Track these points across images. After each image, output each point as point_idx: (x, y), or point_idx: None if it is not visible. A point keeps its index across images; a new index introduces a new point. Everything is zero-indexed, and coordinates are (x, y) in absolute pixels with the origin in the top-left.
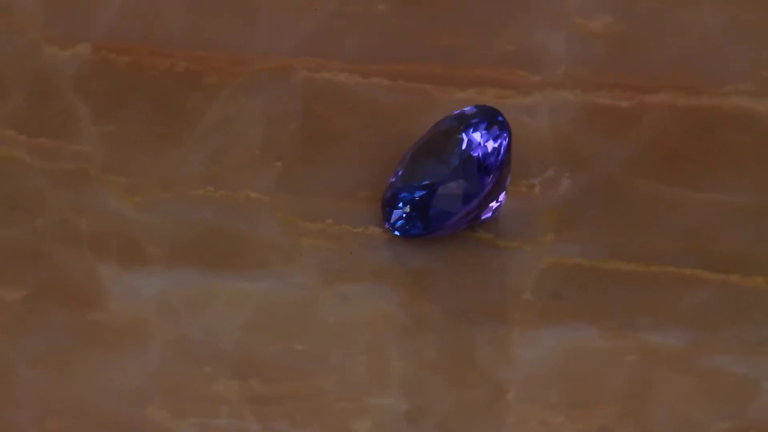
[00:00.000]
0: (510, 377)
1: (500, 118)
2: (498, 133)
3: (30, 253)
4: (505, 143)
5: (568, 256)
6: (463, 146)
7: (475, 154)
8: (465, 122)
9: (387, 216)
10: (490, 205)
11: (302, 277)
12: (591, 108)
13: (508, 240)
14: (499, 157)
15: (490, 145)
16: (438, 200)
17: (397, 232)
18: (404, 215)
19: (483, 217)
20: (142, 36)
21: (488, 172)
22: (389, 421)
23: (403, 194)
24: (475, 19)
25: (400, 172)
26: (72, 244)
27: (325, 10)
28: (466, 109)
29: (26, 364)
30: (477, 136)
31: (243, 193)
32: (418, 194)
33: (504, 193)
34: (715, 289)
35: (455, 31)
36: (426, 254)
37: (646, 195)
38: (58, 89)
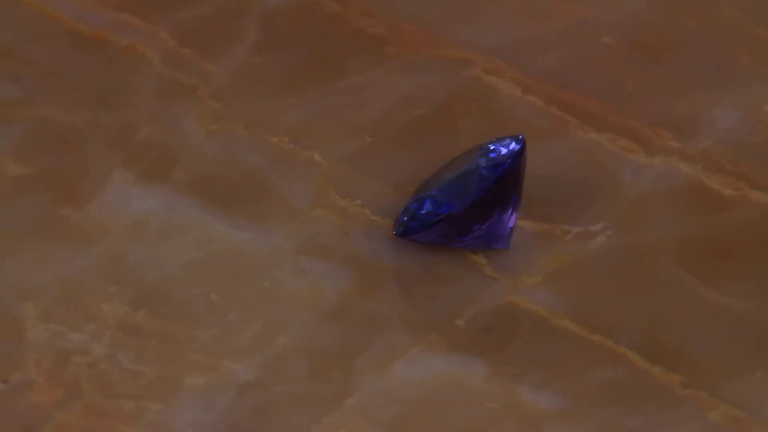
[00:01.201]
0: (365, 386)
1: (518, 145)
2: (504, 158)
3: (65, 140)
4: (504, 167)
5: (532, 302)
6: (472, 163)
7: (478, 172)
8: (489, 145)
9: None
10: (492, 223)
11: (283, 240)
12: (694, 185)
13: (496, 270)
14: (494, 175)
15: (495, 166)
16: (422, 204)
17: (394, 231)
18: (402, 215)
19: (489, 241)
20: None
21: (478, 191)
22: (220, 385)
23: (415, 196)
24: (676, 77)
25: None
26: (112, 145)
27: (555, 25)
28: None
29: None
30: (486, 158)
31: (309, 154)
32: (419, 196)
33: (511, 220)
34: (630, 372)
35: (647, 79)
36: (411, 258)
37: (659, 275)
38: (245, 15)
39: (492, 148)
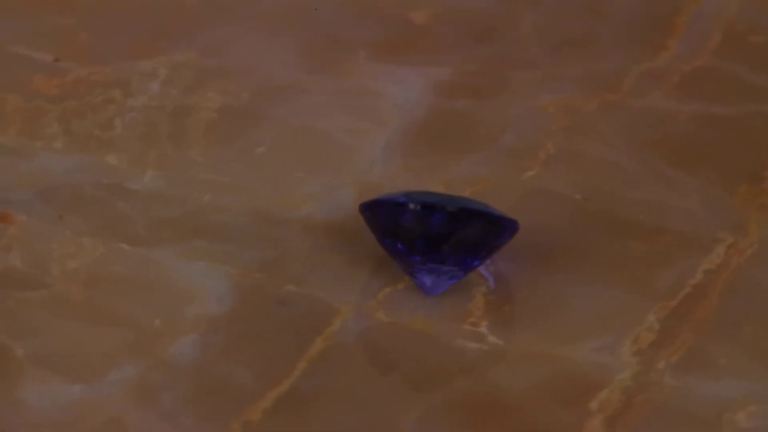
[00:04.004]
0: (114, 259)
1: (502, 217)
2: (486, 209)
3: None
4: (477, 208)
5: (335, 325)
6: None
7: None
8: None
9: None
10: (432, 266)
11: (358, 171)
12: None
13: (386, 300)
14: (459, 205)
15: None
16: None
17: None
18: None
19: (418, 277)
20: None
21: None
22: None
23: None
24: None
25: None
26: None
27: None
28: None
29: None
30: (479, 202)
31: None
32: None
33: (448, 279)
34: None
35: None
36: (358, 233)
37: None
38: None
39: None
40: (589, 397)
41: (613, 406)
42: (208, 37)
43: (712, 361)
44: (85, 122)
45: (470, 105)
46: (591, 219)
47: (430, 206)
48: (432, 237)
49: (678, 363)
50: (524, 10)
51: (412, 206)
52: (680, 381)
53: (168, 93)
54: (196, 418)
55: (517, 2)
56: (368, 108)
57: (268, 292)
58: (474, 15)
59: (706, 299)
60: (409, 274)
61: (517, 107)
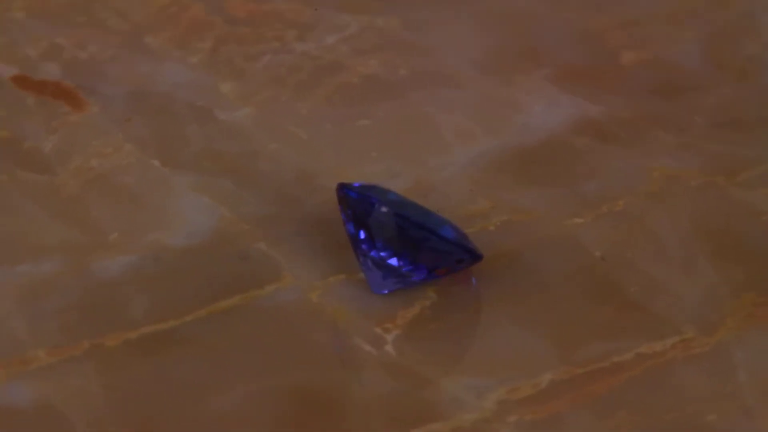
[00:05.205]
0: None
1: (466, 247)
2: (453, 235)
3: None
4: (454, 235)
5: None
6: (442, 222)
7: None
8: (463, 239)
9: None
10: (383, 263)
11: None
12: None
13: (332, 293)
14: (426, 225)
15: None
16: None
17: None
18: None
19: (369, 271)
20: None
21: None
22: None
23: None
24: None
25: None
26: None
27: None
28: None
29: None
30: (452, 227)
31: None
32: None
33: (397, 280)
34: None
35: None
36: (324, 208)
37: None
38: None
39: (457, 232)
40: (419, 424)
41: None
42: (422, 12)
43: (563, 430)
44: (236, 49)
45: (589, 145)
46: (589, 276)
47: (385, 206)
48: (374, 228)
49: (530, 422)
50: (725, 81)
51: (379, 205)
52: None
53: (337, 48)
54: (56, 327)
55: (726, 72)
56: (496, 117)
57: (238, 243)
58: (675, 71)
59: (613, 378)
60: (360, 266)
61: (626, 162)
